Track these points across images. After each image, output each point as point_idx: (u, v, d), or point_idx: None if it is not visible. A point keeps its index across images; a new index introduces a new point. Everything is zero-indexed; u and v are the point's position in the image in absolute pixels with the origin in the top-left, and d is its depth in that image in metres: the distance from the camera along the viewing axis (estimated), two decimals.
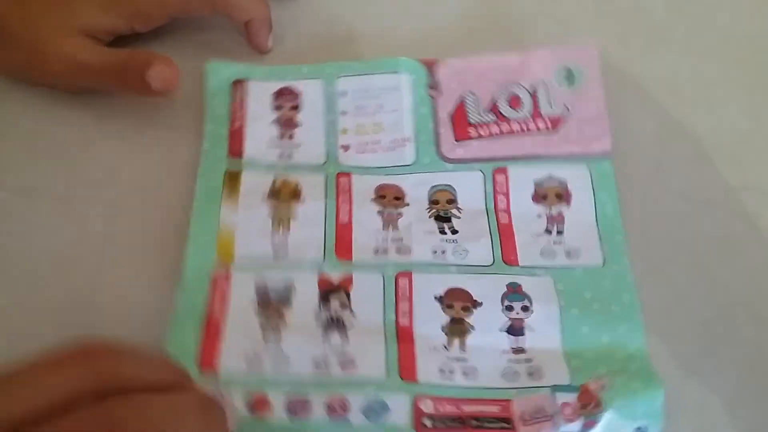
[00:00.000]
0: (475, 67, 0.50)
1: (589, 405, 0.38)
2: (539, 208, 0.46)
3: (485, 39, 0.52)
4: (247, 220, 0.44)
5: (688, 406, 0.39)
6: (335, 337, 0.40)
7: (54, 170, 0.43)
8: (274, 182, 0.45)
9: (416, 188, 0.46)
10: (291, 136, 0.47)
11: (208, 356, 0.39)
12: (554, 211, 0.46)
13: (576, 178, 0.47)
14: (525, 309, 0.42)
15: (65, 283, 0.39)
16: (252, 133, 0.47)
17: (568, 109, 0.49)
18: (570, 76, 0.50)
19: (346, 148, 0.47)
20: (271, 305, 0.41)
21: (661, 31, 0.51)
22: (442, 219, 0.45)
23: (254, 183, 0.45)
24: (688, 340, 0.41)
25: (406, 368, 0.40)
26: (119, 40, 0.44)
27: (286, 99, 0.48)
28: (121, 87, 0.42)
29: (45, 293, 0.38)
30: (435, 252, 0.44)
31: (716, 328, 0.42)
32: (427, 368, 0.39)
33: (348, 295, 0.42)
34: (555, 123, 0.49)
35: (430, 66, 0.49)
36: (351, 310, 0.42)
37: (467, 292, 0.42)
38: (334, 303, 0.42)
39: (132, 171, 0.43)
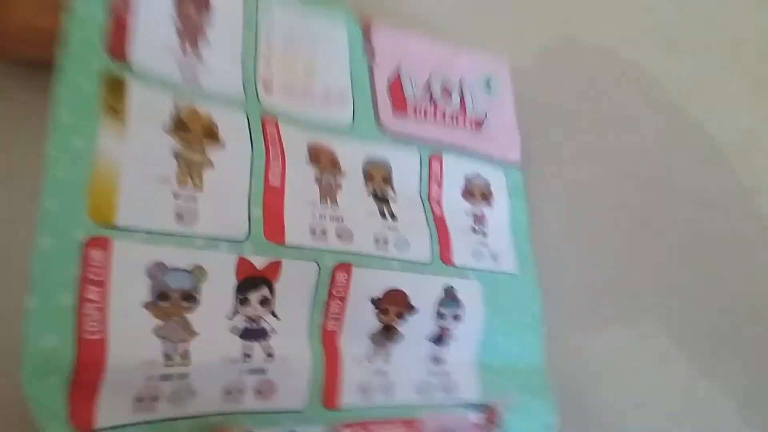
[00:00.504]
0: (409, 44, 0.33)
1: (493, 424, 0.26)
2: (467, 205, 0.31)
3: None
4: (138, 155, 0.20)
5: (699, 407, 0.29)
6: (254, 351, 0.21)
7: None
8: (177, 108, 0.22)
9: (352, 158, 0.27)
10: (196, 51, 0.24)
11: (81, 411, 0.16)
12: (478, 210, 0.31)
13: (496, 181, 0.33)
14: (456, 318, 0.27)
15: None
16: (142, 28, 0.22)
17: (486, 115, 0.34)
18: (488, 85, 0.35)
19: (268, 84, 0.26)
20: (170, 301, 0.19)
21: (670, 32, 0.37)
22: (380, 199, 0.28)
23: (147, 102, 0.22)
24: (696, 342, 0.31)
25: (329, 392, 0.22)
26: None
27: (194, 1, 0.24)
28: None
29: None
30: (377, 241, 0.26)
31: (722, 329, 0.31)
32: (349, 388, 0.23)
33: (271, 289, 0.22)
34: (477, 124, 0.34)
35: (366, 27, 0.31)
36: (273, 312, 0.22)
37: (405, 295, 0.26)
38: (254, 300, 0.22)
39: None
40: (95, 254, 0.18)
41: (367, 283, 0.24)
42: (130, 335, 0.18)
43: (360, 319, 0.24)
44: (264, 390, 0.21)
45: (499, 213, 0.31)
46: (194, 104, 0.23)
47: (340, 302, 0.24)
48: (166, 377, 0.18)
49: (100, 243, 0.18)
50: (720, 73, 0.36)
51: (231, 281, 0.20)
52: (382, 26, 0.31)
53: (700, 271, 0.32)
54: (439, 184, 0.30)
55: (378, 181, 0.27)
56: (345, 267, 0.24)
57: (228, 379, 0.20)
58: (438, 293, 0.26)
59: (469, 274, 0.28)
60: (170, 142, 0.21)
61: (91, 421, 0.16)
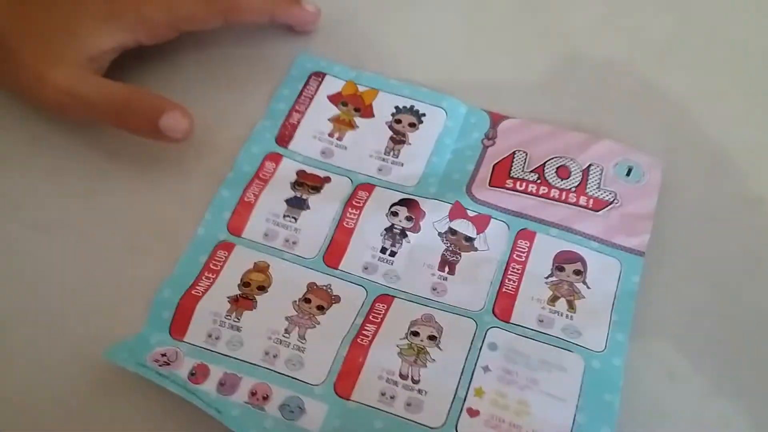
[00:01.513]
0: (536, 131, 0.37)
1: None
2: (553, 279, 0.32)
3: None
4: (266, 200, 0.33)
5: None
6: (296, 333, 0.29)
7: (69, 205, 0.31)
8: (302, 173, 0.34)
9: (434, 215, 0.33)
10: (340, 138, 0.35)
11: (179, 325, 0.29)
12: (566, 289, 0.31)
13: (602, 265, 0.32)
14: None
15: (82, 320, 0.28)
16: (306, 125, 0.35)
17: (617, 199, 0.34)
18: (630, 173, 0.35)
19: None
20: (250, 288, 0.31)
21: (672, 45, 0.38)
22: (449, 257, 0.32)
23: (288, 172, 0.34)
24: (710, 358, 0.29)
25: (344, 384, 0.28)
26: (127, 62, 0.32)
27: (350, 100, 0.37)
28: (123, 126, 0.30)
29: (62, 330, 0.28)
30: (426, 288, 0.31)
31: (737, 345, 0.29)
32: (367, 389, 0.27)
33: (331, 302, 0.30)
34: (598, 205, 0.34)
35: (495, 119, 0.37)
36: (325, 312, 0.30)
37: (440, 326, 0.29)
38: (313, 305, 0.30)
39: (146, 205, 0.31)
40: (222, 250, 0.32)
41: (406, 311, 0.30)
42: (216, 294, 0.30)
43: (392, 336, 0.29)
44: (293, 361, 0.28)
45: (595, 295, 0.31)
46: (317, 172, 0.36)
47: (374, 325, 0.29)
48: (223, 323, 0.29)
49: (229, 246, 0.32)
50: (723, 86, 0.36)
51: (302, 289, 0.30)
52: (513, 117, 0.37)
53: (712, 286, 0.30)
54: (522, 263, 0.32)
55: (457, 240, 0.33)
56: (386, 299, 0.30)
57: (267, 343, 0.28)
58: (469, 337, 0.29)
59: (528, 333, 0.29)
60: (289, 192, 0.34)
61: (183, 334, 0.29)
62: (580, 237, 0.32)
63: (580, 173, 0.34)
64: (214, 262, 0.30)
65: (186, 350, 0.28)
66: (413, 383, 0.28)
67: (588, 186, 0.34)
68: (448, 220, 0.32)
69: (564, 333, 0.29)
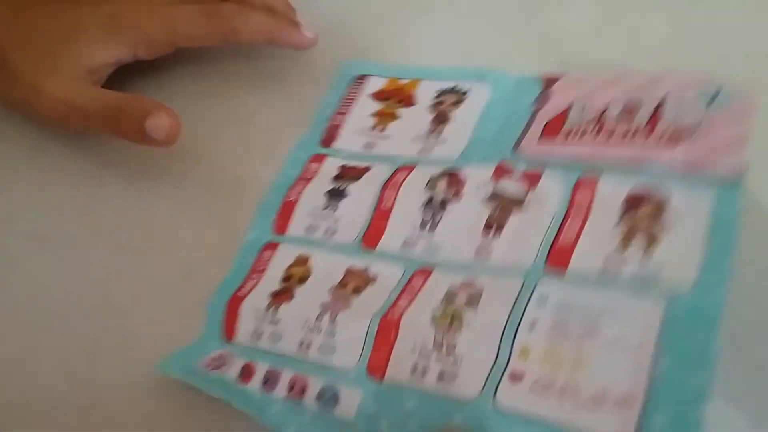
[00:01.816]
0: (595, 82, 0.32)
1: None
2: (623, 219, 0.26)
3: None
4: (308, 197, 0.33)
5: None
6: (325, 318, 0.27)
7: (64, 216, 0.31)
8: (344, 167, 0.33)
9: (481, 187, 0.30)
10: (383, 129, 0.35)
11: (230, 327, 0.29)
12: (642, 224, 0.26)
13: (688, 200, 0.26)
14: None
15: (75, 330, 0.28)
16: (349, 124, 0.35)
17: (701, 127, 0.28)
18: (716, 98, 0.29)
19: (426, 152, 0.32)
20: (290, 281, 0.30)
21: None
22: (494, 220, 0.29)
23: (330, 168, 0.34)
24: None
25: (376, 363, 0.25)
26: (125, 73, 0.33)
27: (392, 95, 0.36)
28: (117, 133, 0.30)
29: (56, 339, 0.28)
30: (478, 253, 0.28)
31: None
32: (400, 364, 0.25)
33: (367, 283, 0.28)
34: (677, 137, 0.28)
35: (549, 83, 0.33)
36: (360, 294, 0.28)
37: (477, 286, 0.26)
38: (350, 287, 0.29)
39: (141, 215, 0.31)
40: (268, 250, 0.32)
41: (444, 280, 0.27)
42: (261, 291, 0.30)
43: (426, 305, 0.26)
44: (325, 347, 0.27)
45: (680, 233, 0.25)
46: (360, 164, 0.35)
47: (409, 297, 0.27)
48: (263, 319, 0.28)
49: (274, 244, 0.33)
50: None
51: (338, 276, 0.29)
52: (569, 77, 0.33)
53: None
54: (585, 210, 0.28)
55: (503, 202, 0.29)
56: (425, 272, 0.27)
57: (302, 333, 0.27)
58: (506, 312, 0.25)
59: (589, 281, 0.24)
60: (330, 184, 0.34)
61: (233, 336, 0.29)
62: (656, 172, 0.27)
63: (651, 109, 0.29)
64: (259, 262, 0.30)
65: (235, 351, 0.28)
66: (447, 353, 0.24)
67: (662, 120, 0.28)
68: (492, 182, 0.29)
69: (634, 280, 0.23)
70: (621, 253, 0.25)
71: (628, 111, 0.30)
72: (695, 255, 0.22)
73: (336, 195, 0.32)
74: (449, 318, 0.24)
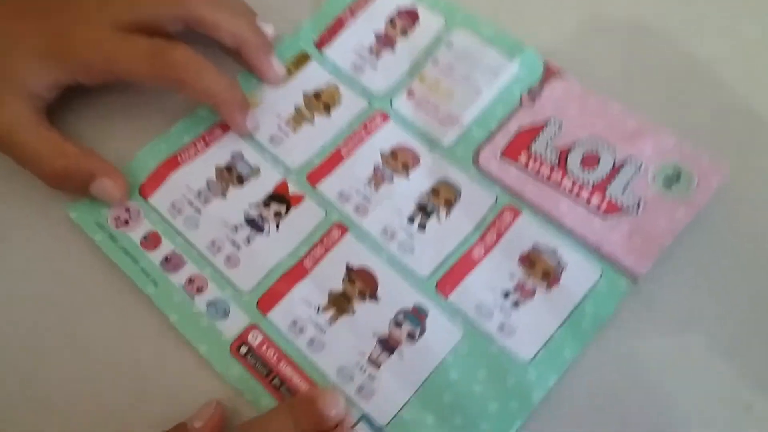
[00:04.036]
0: (585, 101, 0.33)
1: None
2: (517, 270, 0.30)
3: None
4: (276, 99, 0.34)
5: None
6: (242, 231, 0.31)
7: None
8: (327, 85, 0.35)
9: (430, 169, 0.32)
10: (378, 55, 0.35)
11: (151, 185, 0.31)
12: (530, 284, 0.30)
13: (578, 273, 0.29)
14: (410, 336, 0.28)
15: None
16: (348, 35, 0.35)
17: (637, 209, 0.30)
18: (674, 180, 0.30)
19: (411, 94, 0.34)
20: (231, 174, 0.32)
21: None
22: (424, 211, 0.31)
23: (311, 75, 0.35)
24: None
25: (267, 300, 0.29)
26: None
27: (404, 19, 0.35)
28: (58, 188, 0.29)
29: None
30: (385, 232, 0.31)
31: None
32: (284, 312, 0.29)
33: (288, 210, 0.31)
34: (610, 210, 0.30)
35: (548, 73, 0.33)
36: (278, 225, 0.31)
37: (375, 281, 0.30)
38: (272, 208, 0.32)
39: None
40: (216, 130, 0.33)
41: (351, 250, 0.30)
42: (199, 168, 0.31)
43: (329, 273, 0.29)
44: (232, 259, 0.30)
45: (555, 305, 0.29)
46: (339, 86, 0.36)
47: (323, 250, 0.31)
48: (190, 203, 0.30)
49: (221, 130, 0.33)
50: None
51: (269, 188, 0.32)
52: (570, 76, 0.33)
53: None
54: (497, 236, 0.30)
55: (439, 200, 0.31)
56: (342, 228, 0.31)
57: (216, 234, 0.31)
58: (406, 303, 0.29)
59: (456, 318, 0.29)
60: (299, 101, 0.35)
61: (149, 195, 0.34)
62: (567, 237, 0.30)
63: (611, 166, 0.30)
64: (209, 135, 0.33)
65: (144, 211, 0.30)
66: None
67: (612, 184, 0.30)
68: (425, 196, 0.31)
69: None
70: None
71: (591, 159, 0.31)
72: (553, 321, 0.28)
73: (298, 119, 0.34)
74: (340, 302, 0.29)
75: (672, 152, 0.30)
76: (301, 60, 0.35)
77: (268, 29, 0.34)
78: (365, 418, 0.26)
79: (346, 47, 0.35)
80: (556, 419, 0.26)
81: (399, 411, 0.27)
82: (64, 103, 0.30)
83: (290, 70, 0.34)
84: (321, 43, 0.35)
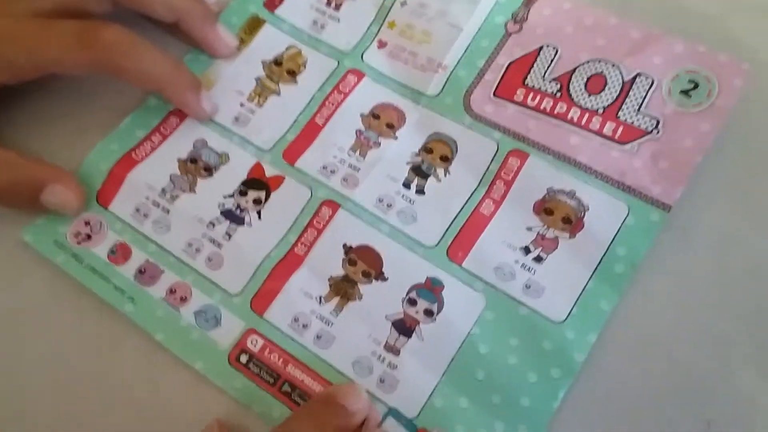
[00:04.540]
0: (579, 17, 0.29)
1: None
2: (534, 221, 0.26)
3: None
4: (233, 75, 0.30)
5: None
6: (221, 226, 0.27)
7: None
8: (287, 49, 0.31)
9: (418, 125, 0.29)
10: (338, 7, 0.31)
11: (108, 191, 0.28)
12: (550, 234, 0.26)
13: (603, 213, 0.26)
14: (428, 313, 0.25)
15: None
16: None
17: (657, 129, 0.26)
18: (693, 91, 0.26)
19: (382, 44, 0.30)
20: (196, 166, 0.28)
21: None
22: (419, 173, 0.28)
23: (268, 40, 0.31)
24: None
25: (261, 299, 0.26)
26: None
27: None
28: (7, 206, 0.26)
29: None
30: (380, 201, 0.27)
31: None
32: (282, 309, 0.25)
33: (268, 196, 0.28)
34: (627, 135, 0.27)
35: None
36: (259, 212, 0.27)
37: (379, 258, 0.26)
38: (250, 196, 0.28)
39: None
40: (173, 116, 0.29)
41: (347, 228, 0.26)
42: (158, 163, 0.28)
43: (326, 257, 0.26)
44: (214, 260, 0.27)
45: (580, 252, 0.25)
46: (301, 48, 0.31)
47: (315, 232, 0.27)
48: (156, 203, 0.28)
49: (179, 116, 0.29)
50: None
51: (242, 174, 0.28)
52: None
53: None
54: (507, 184, 0.27)
55: (434, 157, 0.28)
56: (332, 204, 0.27)
57: (192, 235, 0.27)
58: (418, 278, 0.25)
59: (474, 284, 0.26)
60: (259, 72, 0.30)
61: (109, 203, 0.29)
62: (582, 173, 0.26)
63: (619, 87, 0.26)
64: (164, 126, 0.29)
65: (108, 221, 0.26)
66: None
67: (623, 107, 0.26)
68: (418, 155, 0.28)
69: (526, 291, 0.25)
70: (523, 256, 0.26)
71: (597, 82, 0.27)
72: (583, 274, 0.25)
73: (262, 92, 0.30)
74: (342, 289, 0.25)
75: (684, 58, 0.26)
76: (253, 25, 0.30)
77: None
78: (393, 412, 0.23)
79: (301, 3, 0.31)
80: (602, 379, 0.23)
81: (429, 399, 0.23)
82: None
83: (242, 39, 0.30)
84: (271, 4, 0.31)
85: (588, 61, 0.27)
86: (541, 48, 0.28)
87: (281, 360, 0.25)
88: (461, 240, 0.26)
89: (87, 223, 0.27)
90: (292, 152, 0.28)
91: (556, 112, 0.27)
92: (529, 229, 0.25)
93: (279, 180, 0.27)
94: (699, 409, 0.23)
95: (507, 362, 0.24)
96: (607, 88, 0.26)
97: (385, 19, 0.30)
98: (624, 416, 0.23)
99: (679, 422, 0.23)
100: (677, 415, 0.23)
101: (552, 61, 0.27)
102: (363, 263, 0.26)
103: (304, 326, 0.25)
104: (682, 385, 0.23)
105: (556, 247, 0.25)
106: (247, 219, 0.27)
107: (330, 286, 0.26)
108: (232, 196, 0.27)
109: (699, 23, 0.28)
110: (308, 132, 0.28)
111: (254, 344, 0.25)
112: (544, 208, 0.26)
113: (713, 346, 0.24)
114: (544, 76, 0.27)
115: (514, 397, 0.23)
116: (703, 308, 0.24)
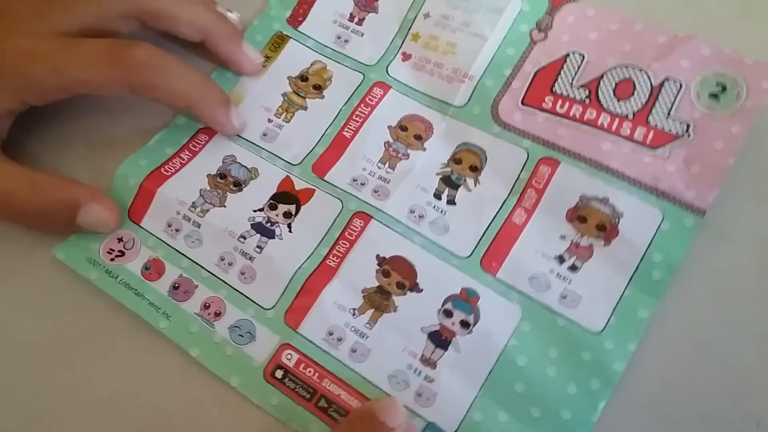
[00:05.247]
0: (604, 23, 0.28)
1: None
2: (567, 229, 0.26)
3: None
4: (260, 91, 0.30)
5: None
6: (252, 239, 0.27)
7: None
8: (312, 64, 0.31)
9: (446, 136, 0.29)
10: (360, 21, 0.31)
11: (139, 207, 0.27)
12: (584, 241, 0.26)
13: (638, 219, 0.25)
14: (464, 325, 0.25)
15: None
16: (321, 7, 0.31)
17: (688, 132, 0.26)
18: (722, 93, 0.26)
19: (407, 56, 0.30)
20: (226, 181, 0.28)
21: None
22: (450, 184, 0.28)
23: (293, 56, 0.31)
24: None
25: (295, 313, 0.26)
26: None
27: None
28: (36, 229, 0.26)
29: None
30: (412, 212, 0.27)
31: None
32: (316, 323, 0.25)
33: (298, 209, 0.28)
34: (658, 140, 0.26)
35: (555, 3, 0.29)
36: (290, 225, 0.27)
37: (413, 269, 0.26)
38: (280, 209, 0.28)
39: None
40: (202, 135, 0.29)
41: (379, 239, 0.26)
42: (188, 178, 0.27)
43: (359, 269, 0.26)
44: (246, 273, 0.27)
45: (617, 258, 0.25)
46: (326, 63, 0.32)
47: (348, 244, 0.27)
48: (187, 218, 0.28)
49: (209, 132, 0.29)
50: None
51: (272, 188, 0.28)
52: (577, 1, 0.29)
53: None
54: (538, 192, 0.27)
55: (464, 167, 0.28)
56: (364, 216, 0.27)
57: (223, 248, 0.27)
58: (453, 289, 0.25)
59: (510, 295, 0.25)
60: (285, 87, 0.30)
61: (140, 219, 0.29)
62: (615, 179, 0.26)
63: (648, 91, 0.26)
64: (194, 143, 0.29)
65: (140, 237, 0.26)
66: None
67: (653, 111, 0.26)
68: (447, 166, 0.28)
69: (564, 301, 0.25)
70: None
71: (625, 88, 0.27)
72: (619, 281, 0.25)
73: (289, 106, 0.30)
74: (377, 300, 0.25)
75: (710, 61, 0.26)
76: (278, 42, 0.30)
77: (233, 16, 0.30)
78: (431, 427, 0.22)
79: (324, 19, 0.31)
80: (645, 386, 0.23)
81: (467, 413, 0.23)
82: (19, 133, 0.27)
83: (268, 56, 0.30)
84: (295, 21, 0.31)
85: (615, 67, 0.27)
86: (567, 55, 0.27)
87: (317, 375, 0.24)
88: (494, 250, 0.25)
89: (120, 240, 0.27)
90: (322, 165, 0.28)
91: (585, 118, 0.26)
92: (563, 237, 0.25)
93: (309, 193, 0.27)
94: (748, 408, 0.22)
95: (546, 374, 0.23)
96: (635, 93, 0.26)
97: (408, 31, 0.30)
98: (669, 422, 0.23)
99: (728, 424, 0.22)
100: (725, 416, 0.22)
101: (579, 67, 0.27)
102: (397, 274, 0.25)
103: (339, 340, 0.25)
104: (729, 387, 0.23)
105: (591, 255, 0.25)
106: (277, 232, 0.27)
107: (363, 298, 0.25)
108: (262, 210, 0.27)
109: (723, 26, 0.28)
110: (337, 145, 0.28)
111: (289, 359, 0.25)
112: (578, 216, 0.25)
113: (756, 344, 0.23)
114: (572, 82, 0.27)
115: (554, 410, 0.23)
116: (744, 306, 0.24)
